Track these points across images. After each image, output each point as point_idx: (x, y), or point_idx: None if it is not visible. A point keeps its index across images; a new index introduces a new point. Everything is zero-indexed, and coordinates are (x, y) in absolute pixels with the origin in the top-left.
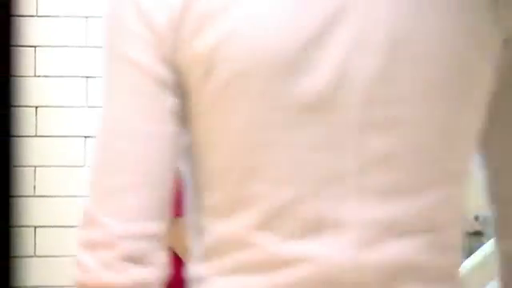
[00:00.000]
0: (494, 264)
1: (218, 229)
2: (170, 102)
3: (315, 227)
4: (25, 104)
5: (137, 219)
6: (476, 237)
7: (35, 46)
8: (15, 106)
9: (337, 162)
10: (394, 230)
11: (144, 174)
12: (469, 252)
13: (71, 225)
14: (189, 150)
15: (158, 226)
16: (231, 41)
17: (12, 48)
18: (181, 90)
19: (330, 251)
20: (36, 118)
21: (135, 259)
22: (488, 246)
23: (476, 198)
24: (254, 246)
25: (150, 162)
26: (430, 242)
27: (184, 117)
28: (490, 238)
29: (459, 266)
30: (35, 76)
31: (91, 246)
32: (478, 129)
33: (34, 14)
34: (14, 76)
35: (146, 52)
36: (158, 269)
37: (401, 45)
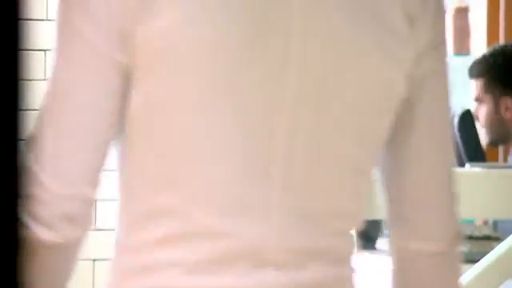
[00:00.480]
0: (504, 267)
1: (151, 200)
2: (117, 81)
3: (244, 208)
4: (34, 108)
5: (76, 183)
6: (485, 241)
7: (45, 50)
8: (24, 110)
9: (266, 152)
10: (312, 218)
11: (87, 142)
12: (478, 256)
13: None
14: (124, 135)
15: (92, 191)
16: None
17: (21, 52)
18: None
19: (256, 230)
20: None
21: (69, 218)
22: (497, 250)
23: (486, 203)
24: (186, 219)
25: (93, 132)
26: (338, 228)
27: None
28: (499, 242)
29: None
30: (45, 80)
31: (31, 201)
32: (387, 133)
33: (44, 17)
34: (24, 80)
35: (101, 29)
36: (85, 229)
37: (332, 62)
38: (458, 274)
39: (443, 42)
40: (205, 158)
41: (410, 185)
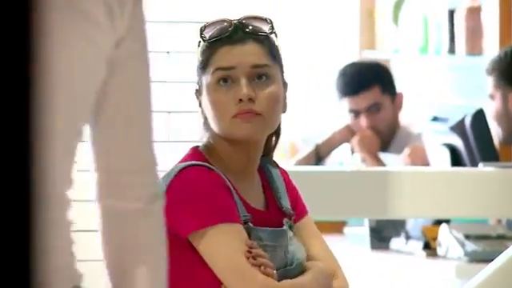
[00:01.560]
0: None
1: None
2: None
3: None
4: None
5: None
6: (499, 240)
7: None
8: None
9: None
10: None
11: None
12: (492, 255)
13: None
14: None
15: None
16: None
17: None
18: None
19: None
20: None
21: None
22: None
23: (500, 203)
24: None
25: None
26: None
27: None
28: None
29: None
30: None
31: None
32: (91, 110)
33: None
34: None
35: None
36: None
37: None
38: (153, 229)
39: (141, 27)
40: None
41: (107, 153)
